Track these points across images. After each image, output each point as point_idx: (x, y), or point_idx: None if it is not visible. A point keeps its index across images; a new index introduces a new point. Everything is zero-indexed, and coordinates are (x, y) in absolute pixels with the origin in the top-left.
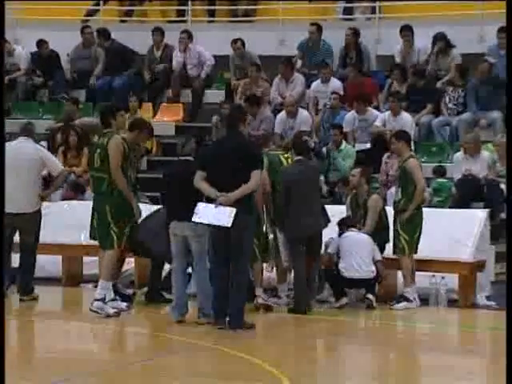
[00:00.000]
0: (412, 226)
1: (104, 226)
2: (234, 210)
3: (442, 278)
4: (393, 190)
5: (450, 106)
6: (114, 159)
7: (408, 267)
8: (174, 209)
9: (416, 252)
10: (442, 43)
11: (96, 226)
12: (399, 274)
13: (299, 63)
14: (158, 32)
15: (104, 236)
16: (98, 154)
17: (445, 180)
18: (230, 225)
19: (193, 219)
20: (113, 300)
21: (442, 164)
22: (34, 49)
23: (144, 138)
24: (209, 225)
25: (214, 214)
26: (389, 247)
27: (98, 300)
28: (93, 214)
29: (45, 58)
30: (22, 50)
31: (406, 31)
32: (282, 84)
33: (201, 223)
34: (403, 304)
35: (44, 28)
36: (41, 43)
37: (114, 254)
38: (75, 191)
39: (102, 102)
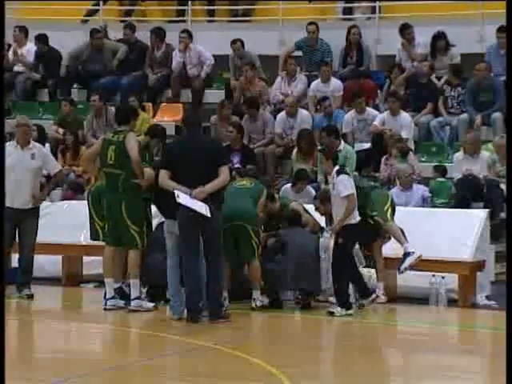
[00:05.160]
0: (378, 202)
1: (122, 226)
2: (207, 207)
3: (442, 277)
4: (394, 189)
5: (454, 104)
6: (135, 152)
7: (394, 229)
8: (168, 208)
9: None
10: (443, 42)
11: (111, 226)
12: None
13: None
14: (158, 32)
15: (124, 236)
16: (112, 150)
17: (444, 180)
18: (209, 215)
19: (177, 201)
20: (112, 298)
21: (442, 164)
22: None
23: (157, 145)
24: (190, 209)
25: (192, 201)
26: (386, 248)
27: (134, 299)
28: (91, 213)
29: (44, 55)
30: (35, 46)
31: (407, 29)
32: (285, 83)
33: (184, 205)
34: (407, 260)
35: (44, 28)
36: (39, 39)
37: (137, 254)
38: (75, 191)
39: (107, 102)
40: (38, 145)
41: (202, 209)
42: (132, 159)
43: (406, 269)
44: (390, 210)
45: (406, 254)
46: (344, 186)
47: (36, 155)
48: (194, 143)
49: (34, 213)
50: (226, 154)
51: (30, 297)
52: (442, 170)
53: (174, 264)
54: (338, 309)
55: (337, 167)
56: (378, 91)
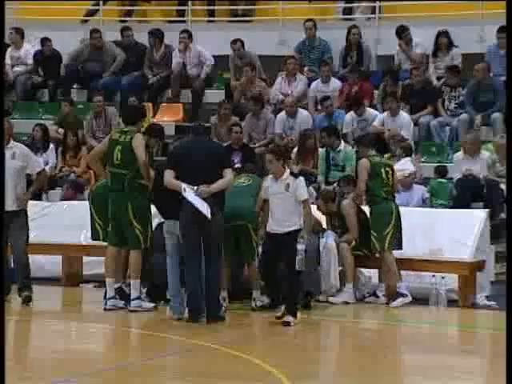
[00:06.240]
0: (379, 221)
1: (127, 225)
2: (209, 208)
3: (442, 277)
4: None
5: (453, 105)
6: (142, 154)
7: (390, 261)
8: (168, 208)
9: (397, 248)
10: (445, 39)
11: (116, 226)
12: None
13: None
14: (156, 33)
15: (128, 236)
16: (118, 150)
17: (444, 180)
18: (210, 216)
19: (183, 194)
20: (112, 298)
21: (443, 164)
22: (35, 48)
23: (155, 145)
24: (192, 205)
25: (197, 200)
26: None
27: (134, 299)
28: (92, 213)
29: (47, 57)
30: (32, 47)
31: (404, 31)
32: (285, 83)
33: (187, 201)
34: (400, 300)
35: (44, 28)
36: (45, 41)
37: (140, 254)
38: (75, 190)
39: (107, 102)
40: (19, 144)
41: (204, 207)
42: (139, 161)
43: (394, 307)
44: (390, 234)
45: (400, 294)
46: (304, 189)
47: (17, 155)
48: (197, 145)
49: (20, 214)
50: (229, 156)
51: (28, 299)
52: (442, 171)
53: (174, 264)
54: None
55: (288, 170)
56: (376, 91)
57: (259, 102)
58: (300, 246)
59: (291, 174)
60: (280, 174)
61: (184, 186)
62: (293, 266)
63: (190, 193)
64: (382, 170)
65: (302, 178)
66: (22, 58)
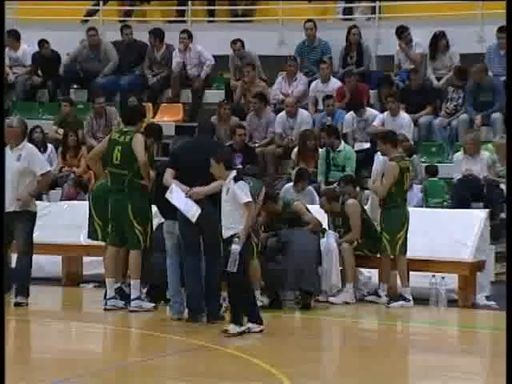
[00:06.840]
0: (393, 226)
1: (127, 226)
2: (199, 210)
3: (442, 278)
4: None
5: (451, 106)
6: (142, 154)
7: (402, 264)
8: (169, 208)
9: (405, 252)
10: (443, 41)
11: (116, 226)
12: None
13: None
14: (156, 33)
15: (128, 236)
16: (118, 150)
17: (437, 179)
18: (194, 220)
19: (166, 195)
20: (112, 298)
21: (437, 164)
22: (34, 49)
23: (152, 145)
24: (176, 208)
25: (184, 201)
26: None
27: (134, 299)
28: (91, 213)
29: (45, 58)
30: (28, 47)
31: (403, 32)
32: (285, 83)
33: (172, 203)
34: (401, 303)
35: (44, 28)
36: (42, 43)
37: (139, 254)
38: (77, 189)
39: (110, 102)
40: (29, 146)
41: (192, 210)
42: (139, 161)
43: (393, 307)
44: (402, 239)
45: (402, 297)
46: (243, 192)
47: (22, 156)
48: (198, 145)
49: (22, 216)
50: (230, 157)
51: (18, 305)
52: (432, 170)
53: (174, 264)
54: (252, 325)
55: (234, 173)
56: (371, 91)
57: (263, 100)
58: (234, 246)
59: (235, 177)
60: (222, 177)
61: (174, 186)
62: (234, 272)
63: (176, 194)
64: (405, 176)
65: (241, 182)
66: (20, 59)
